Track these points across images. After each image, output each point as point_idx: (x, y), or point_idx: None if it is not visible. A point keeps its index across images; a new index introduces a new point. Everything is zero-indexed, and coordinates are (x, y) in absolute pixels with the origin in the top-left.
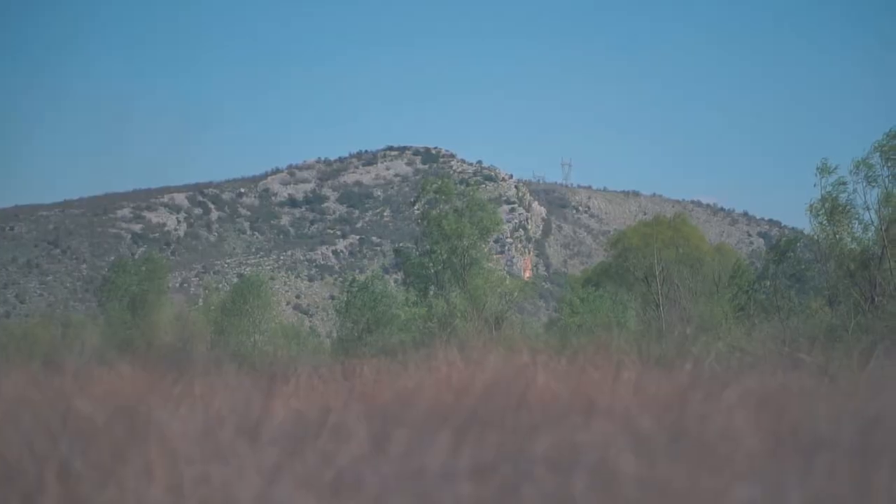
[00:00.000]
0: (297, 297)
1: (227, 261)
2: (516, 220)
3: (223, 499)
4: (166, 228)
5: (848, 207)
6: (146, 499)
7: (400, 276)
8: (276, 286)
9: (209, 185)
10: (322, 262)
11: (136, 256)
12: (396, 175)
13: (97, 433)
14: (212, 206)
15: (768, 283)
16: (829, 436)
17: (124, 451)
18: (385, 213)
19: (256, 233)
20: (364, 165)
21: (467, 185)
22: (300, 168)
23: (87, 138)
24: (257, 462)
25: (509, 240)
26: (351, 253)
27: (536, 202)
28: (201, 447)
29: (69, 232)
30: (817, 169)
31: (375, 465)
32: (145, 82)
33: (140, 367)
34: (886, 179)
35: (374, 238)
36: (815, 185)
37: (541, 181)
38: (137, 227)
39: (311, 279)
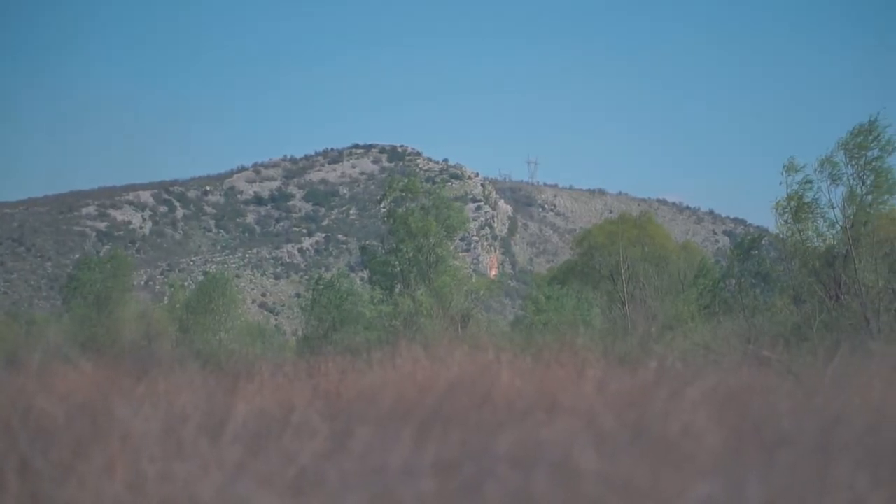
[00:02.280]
0: (263, 295)
1: (193, 259)
2: (482, 219)
3: (185, 496)
4: (131, 226)
5: (813, 206)
6: (107, 496)
7: (366, 274)
8: (242, 284)
9: (174, 182)
10: (288, 260)
11: (101, 254)
12: (362, 173)
13: (58, 430)
14: (177, 203)
15: (733, 281)
16: (791, 433)
17: (86, 448)
18: (351, 211)
19: (222, 231)
20: (330, 163)
21: (433, 183)
22: (266, 166)
23: (53, 136)
24: (220, 460)
25: (475, 238)
26: (317, 251)
27: (502, 200)
28: (164, 445)
29: (34, 230)
30: (784, 167)
31: (338, 463)
32: (112, 80)
33: (103, 365)
34: (851, 178)
35: (339, 236)
36: (781, 184)
37: (507, 179)
38: (102, 225)
39: (276, 277)
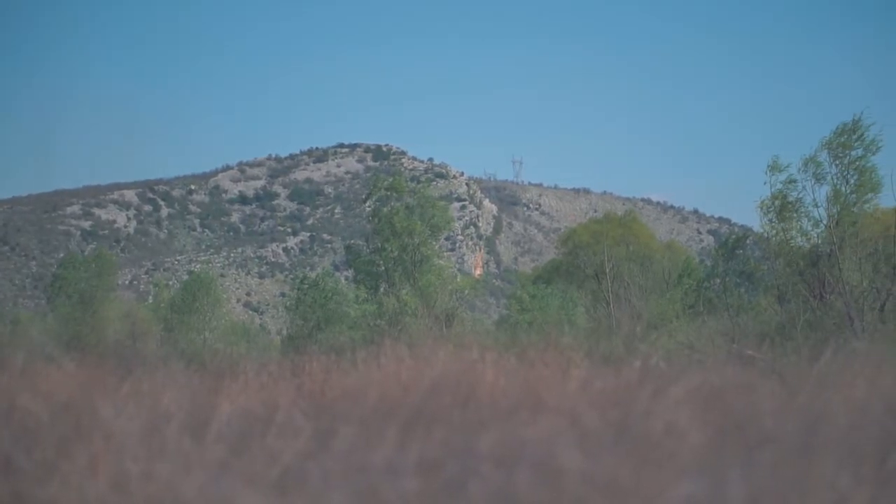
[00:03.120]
0: (248, 294)
1: (178, 258)
2: (467, 218)
3: (169, 495)
4: (116, 225)
5: (797, 205)
6: (90, 495)
7: (350, 273)
8: (227, 283)
9: (159, 181)
10: (272, 260)
11: (86, 253)
12: (347, 172)
13: (42, 429)
14: (162, 203)
15: (718, 280)
16: (774, 432)
17: (69, 447)
18: (336, 211)
19: (207, 230)
20: (315, 162)
21: (418, 182)
22: (251, 165)
23: (37, 135)
24: (203, 459)
25: (460, 237)
26: (301, 250)
27: (487, 199)
28: (147, 444)
29: (18, 229)
30: (768, 167)
31: (322, 462)
32: (96, 80)
33: (87, 364)
34: (835, 177)
35: (324, 235)
36: (765, 184)
37: (492, 179)
38: (87, 224)
39: (261, 276)
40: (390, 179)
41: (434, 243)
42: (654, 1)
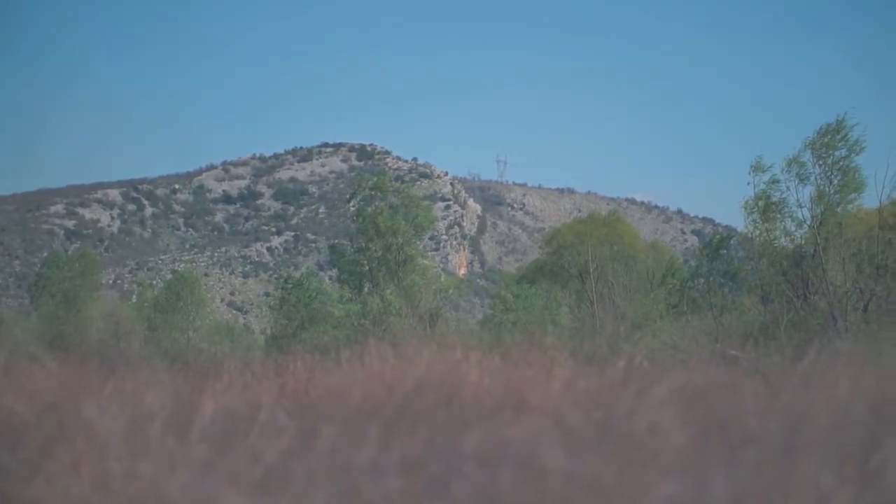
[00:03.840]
0: (232, 293)
1: (161, 257)
2: (451, 218)
3: (152, 494)
4: (100, 225)
5: (781, 205)
6: (74, 494)
7: (335, 272)
8: (211, 283)
9: (143, 181)
10: (257, 259)
11: (70, 252)
12: (331, 172)
13: (26, 429)
14: (146, 202)
15: (702, 280)
16: (757, 431)
17: (53, 446)
18: (320, 210)
19: (191, 229)
20: (299, 162)
21: (402, 182)
22: (235, 164)
23: (20, 134)
24: (187, 458)
25: (444, 237)
26: (286, 250)
27: (471, 199)
28: (131, 443)
29: (1, 228)
30: (751, 167)
31: (305, 461)
32: (80, 78)
33: (71, 364)
34: (818, 177)
35: (308, 235)
36: (749, 184)
37: (476, 178)
38: (70, 224)
39: (245, 276)
40: (374, 179)
41: (418, 243)
42: (636, 1)
